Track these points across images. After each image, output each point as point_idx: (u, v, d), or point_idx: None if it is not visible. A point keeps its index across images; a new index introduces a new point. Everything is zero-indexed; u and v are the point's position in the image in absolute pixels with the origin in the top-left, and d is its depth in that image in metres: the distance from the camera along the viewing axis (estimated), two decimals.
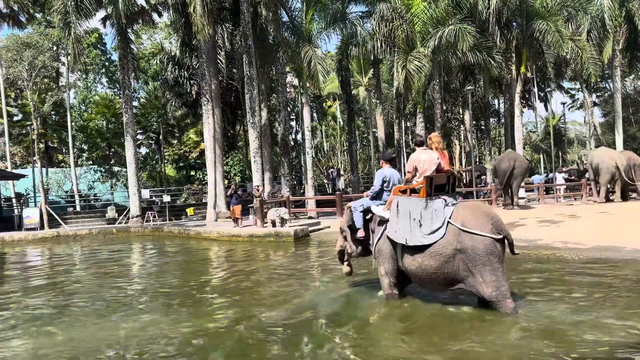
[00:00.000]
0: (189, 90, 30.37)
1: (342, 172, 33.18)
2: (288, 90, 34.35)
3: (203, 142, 34.70)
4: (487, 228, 5.98)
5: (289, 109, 32.23)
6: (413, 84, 20.77)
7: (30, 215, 22.63)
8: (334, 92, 38.71)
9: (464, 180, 27.60)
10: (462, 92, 31.59)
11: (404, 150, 26.88)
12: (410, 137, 35.98)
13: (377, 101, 28.06)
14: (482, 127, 35.65)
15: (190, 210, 25.25)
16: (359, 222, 7.29)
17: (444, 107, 29.22)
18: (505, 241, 6.13)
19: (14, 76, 24.41)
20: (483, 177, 27.93)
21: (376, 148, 29.86)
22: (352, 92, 30.89)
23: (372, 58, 27.93)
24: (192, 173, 37.11)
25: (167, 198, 25.15)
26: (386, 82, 34.61)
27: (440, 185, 6.78)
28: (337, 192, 20.52)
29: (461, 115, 35.50)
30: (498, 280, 5.90)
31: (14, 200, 28.50)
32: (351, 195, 24.25)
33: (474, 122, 34.18)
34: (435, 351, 5.09)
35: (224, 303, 7.84)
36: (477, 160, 36.47)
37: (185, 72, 29.72)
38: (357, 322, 6.24)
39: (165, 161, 36.51)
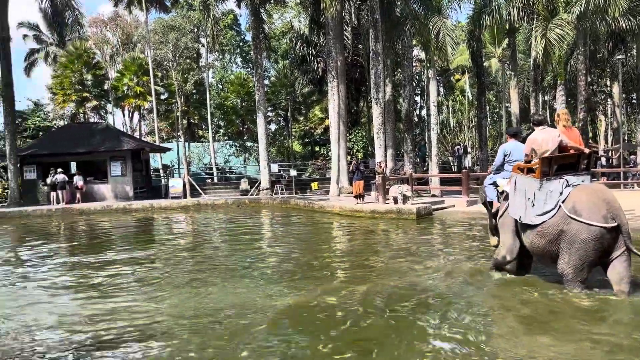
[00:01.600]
0: (315, 67, 31.02)
1: (469, 150, 31.80)
2: (414, 64, 33.51)
3: (327, 118, 35.47)
4: (597, 215, 5.73)
5: (413, 83, 31.49)
6: (553, 54, 19.03)
7: (175, 185, 25.00)
8: (463, 65, 36.92)
9: (611, 161, 24.92)
10: (610, 62, 28.28)
11: None
12: (548, 112, 33.26)
13: (512, 73, 26.20)
14: (633, 101, 31.72)
15: (314, 185, 26.07)
16: (491, 195, 7.38)
17: (589, 79, 26.44)
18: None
19: (160, 57, 26.84)
20: (633, 156, 24.97)
21: (509, 124, 28.05)
22: (484, 64, 29.23)
23: (507, 27, 26.08)
24: (317, 149, 38.19)
25: (293, 172, 26.24)
26: (522, 53, 32.20)
27: (567, 164, 6.44)
28: (464, 170, 19.72)
29: (609, 88, 31.89)
30: (581, 266, 5.85)
31: (161, 171, 31.76)
32: (478, 174, 23.20)
33: (623, 96, 30.50)
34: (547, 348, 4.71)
35: (345, 277, 8.00)
36: (626, 138, 32.65)
37: (313, 50, 30.34)
38: (473, 307, 5.98)
39: (292, 137, 37.97)
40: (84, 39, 33.76)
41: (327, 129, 37.12)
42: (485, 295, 6.53)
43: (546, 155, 6.33)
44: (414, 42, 26.61)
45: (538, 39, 19.13)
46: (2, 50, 23.95)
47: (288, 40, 33.91)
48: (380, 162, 19.04)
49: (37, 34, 40.34)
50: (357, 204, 17.38)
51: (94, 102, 34.52)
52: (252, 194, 25.04)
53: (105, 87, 35.38)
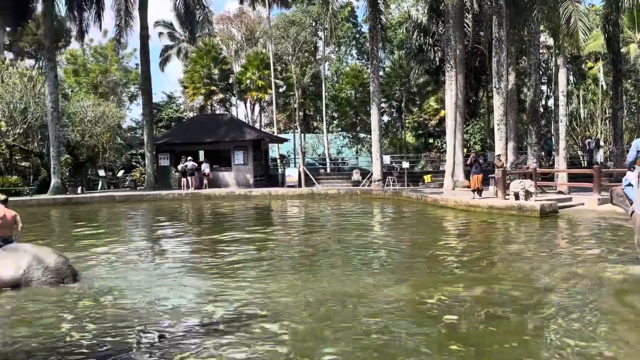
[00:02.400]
0: (432, 57, 30.27)
1: (601, 143, 29.09)
2: (540, 51, 31.29)
3: (443, 109, 34.50)
4: None
5: (540, 72, 29.43)
6: None
7: (291, 174, 25.98)
8: (597, 51, 33.71)
9: None
10: None
11: None
12: None
13: None
14: None
15: (427, 178, 25.58)
16: (631, 195, 6.96)
17: None
18: None
19: (281, 51, 27.96)
20: None
21: None
22: (621, 51, 26.47)
23: None
24: (430, 141, 37.36)
25: (406, 164, 25.95)
26: None
27: None
28: (595, 166, 18.11)
29: None
30: None
31: (278, 161, 33.18)
32: (612, 170, 21.17)
33: None
34: None
35: (460, 274, 7.78)
36: None
37: (430, 39, 29.64)
38: (598, 314, 5.50)
39: (405, 128, 37.53)
40: (212, 35, 36.18)
41: (442, 120, 36.11)
42: (615, 302, 6.00)
43: None
44: (542, 27, 24.85)
45: None
46: (142, 47, 26.49)
47: (404, 30, 33.41)
48: (499, 155, 18.13)
49: (171, 31, 44.10)
50: (474, 198, 16.74)
51: (220, 95, 36.98)
52: (363, 185, 25.21)
53: (230, 80, 37.67)
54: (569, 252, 9.34)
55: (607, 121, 34.16)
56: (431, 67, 31.47)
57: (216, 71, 35.61)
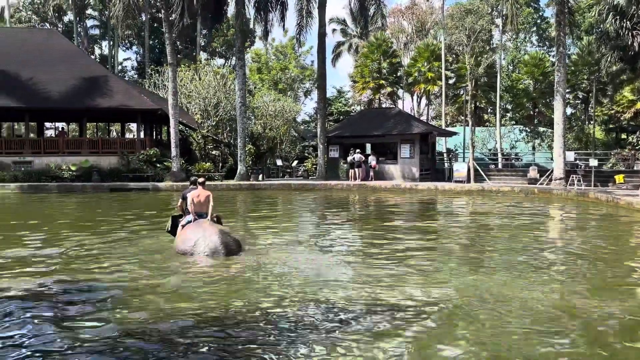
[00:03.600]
0: (629, 42, 26.54)
1: None
2: None
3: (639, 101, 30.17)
4: None
5: None
6: None
7: (460, 169, 25.14)
8: None
9: None
10: None
11: None
12: None
13: None
14: None
15: (619, 178, 22.59)
16: None
17: None
18: None
19: (455, 42, 27.12)
20: None
21: None
22: None
23: None
24: (623, 136, 32.97)
25: (593, 162, 23.27)
26: None
27: None
28: None
29: None
30: None
31: (445, 155, 32.34)
32: None
33: None
34: None
35: None
36: None
37: (628, 22, 26.00)
38: None
39: (593, 122, 33.68)
40: (384, 29, 36.57)
41: (637, 113, 31.63)
42: None
43: None
44: None
45: None
46: (320, 45, 27.83)
47: (596, 14, 29.85)
48: None
49: (343, 27, 45.68)
50: None
51: (389, 89, 37.24)
52: (541, 183, 23.32)
53: (398, 73, 37.70)
54: None
55: None
56: (627, 54, 27.63)
57: (385, 65, 35.89)
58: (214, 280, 6.81)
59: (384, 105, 38.95)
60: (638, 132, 29.34)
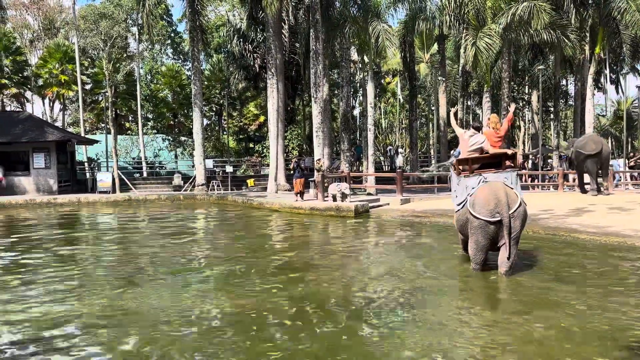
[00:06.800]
0: (252, 63, 30.79)
1: (400, 150, 33.00)
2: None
3: (262, 115, 35.37)
4: (483, 210, 7.08)
5: (350, 84, 32.13)
6: (481, 62, 20.26)
7: (104, 179, 23.98)
8: (394, 68, 38.22)
9: (527, 164, 26.87)
10: (529, 71, 30.43)
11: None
12: (471, 117, 35.19)
13: (442, 79, 27.46)
14: (550, 109, 34.36)
15: (250, 182, 25.99)
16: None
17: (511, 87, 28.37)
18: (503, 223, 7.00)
19: (89, 46, 25.65)
20: (549, 160, 27.09)
21: (437, 126, 29.41)
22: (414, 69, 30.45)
23: (436, 34, 27.36)
24: (251, 145, 37.98)
25: (229, 168, 25.99)
26: (449, 59, 33.86)
27: (488, 163, 7.85)
28: (398, 170, 20.53)
29: (528, 96, 34.29)
30: (475, 249, 7.31)
31: (86, 165, 30.25)
32: (409, 174, 24.19)
33: (540, 104, 32.98)
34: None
35: (288, 277, 7.77)
36: (542, 143, 35.29)
37: (250, 46, 30.11)
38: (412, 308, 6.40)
39: (227, 132, 37.50)
40: (3, 22, 31.44)
41: (261, 125, 36.99)
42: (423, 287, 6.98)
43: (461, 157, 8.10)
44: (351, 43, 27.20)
45: (469, 47, 20.26)
46: None
47: (224, 34, 33.38)
48: (319, 159, 19.36)
49: None
50: (297, 201, 17.60)
51: (14, 90, 32.26)
52: (185, 190, 24.53)
53: (25, 73, 33.16)
54: (378, 248, 10.47)
55: (404, 130, 38.93)
56: (251, 74, 32.01)
57: (8, 62, 30.98)
58: None
59: (8, 109, 33.51)
60: (262, 142, 34.25)
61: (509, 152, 7.91)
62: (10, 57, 31.18)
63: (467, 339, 4.92)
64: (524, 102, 35.80)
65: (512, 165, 7.73)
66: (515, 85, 33.57)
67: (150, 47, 42.24)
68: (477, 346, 4.76)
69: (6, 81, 31.10)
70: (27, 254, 10.06)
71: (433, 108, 33.71)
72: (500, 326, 5.28)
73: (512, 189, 7.34)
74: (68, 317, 5.79)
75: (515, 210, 7.06)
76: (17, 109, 33.37)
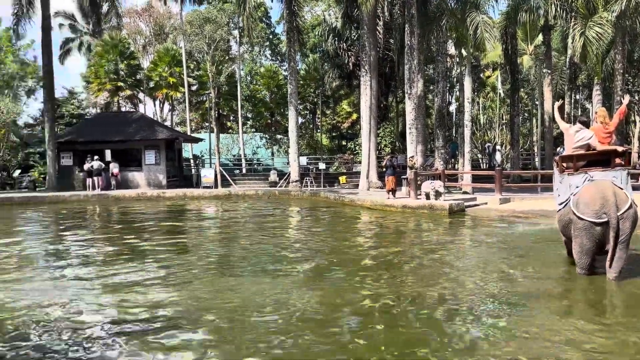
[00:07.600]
0: (346, 61, 31.04)
1: (498, 147, 31.55)
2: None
3: (355, 113, 35.49)
4: (588, 211, 6.59)
5: (446, 80, 31.27)
6: (591, 53, 18.77)
7: (207, 175, 25.46)
8: (494, 62, 36.50)
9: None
10: None
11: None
12: (580, 111, 32.79)
13: (548, 71, 25.78)
14: None
15: (342, 179, 26.25)
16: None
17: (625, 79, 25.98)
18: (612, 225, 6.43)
19: (195, 49, 27.31)
20: None
21: (542, 122, 27.71)
22: (517, 62, 28.90)
23: (540, 24, 25.75)
24: (344, 143, 38.32)
25: (322, 165, 26.45)
26: (555, 51, 31.72)
27: (595, 161, 7.25)
28: (497, 168, 19.65)
29: None
30: (580, 253, 6.84)
31: (191, 161, 32.32)
32: (509, 172, 23.03)
33: None
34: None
35: (376, 275, 7.75)
36: None
37: (344, 44, 30.38)
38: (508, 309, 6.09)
39: (320, 130, 38.17)
40: (119, 29, 34.46)
41: (354, 123, 37.16)
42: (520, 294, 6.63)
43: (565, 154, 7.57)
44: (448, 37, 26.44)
45: (577, 37, 18.87)
46: (44, 38, 24.63)
47: (319, 34, 33.98)
48: (412, 157, 19.07)
49: (72, 23, 41.32)
50: (389, 198, 17.48)
51: (128, 92, 35.23)
52: (280, 186, 25.34)
53: (138, 76, 36.04)
54: (473, 249, 10.10)
55: (504, 127, 37.14)
56: (345, 72, 32.27)
57: (123, 66, 33.86)
58: None
59: (123, 109, 36.68)
60: (355, 139, 34.42)
61: (620, 149, 7.20)
62: (125, 62, 34.01)
63: (571, 345, 4.63)
64: None
65: (623, 163, 7.10)
66: (630, 77, 30.70)
67: (250, 49, 44.05)
68: (582, 351, 4.47)
69: (122, 84, 33.99)
70: (143, 242, 10.98)
71: (537, 102, 31.83)
72: (605, 333, 4.91)
73: (621, 189, 6.72)
74: (179, 300, 6.27)
75: (625, 212, 6.48)
76: (131, 110, 36.38)
